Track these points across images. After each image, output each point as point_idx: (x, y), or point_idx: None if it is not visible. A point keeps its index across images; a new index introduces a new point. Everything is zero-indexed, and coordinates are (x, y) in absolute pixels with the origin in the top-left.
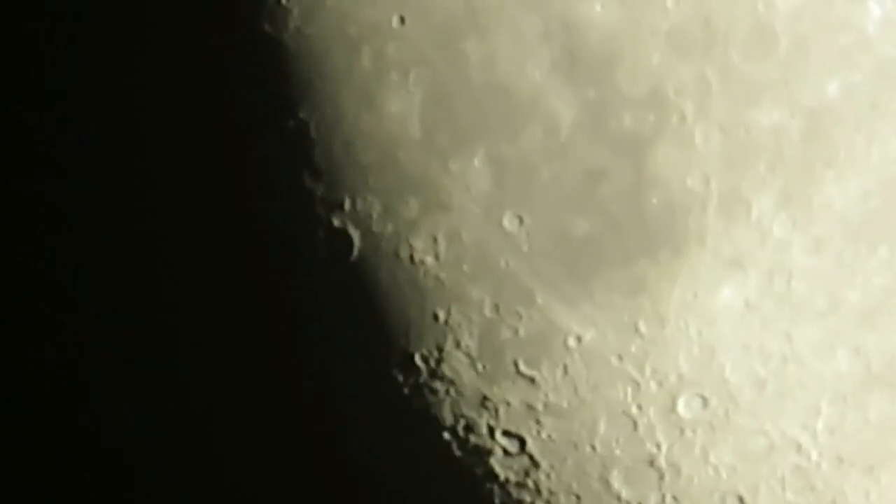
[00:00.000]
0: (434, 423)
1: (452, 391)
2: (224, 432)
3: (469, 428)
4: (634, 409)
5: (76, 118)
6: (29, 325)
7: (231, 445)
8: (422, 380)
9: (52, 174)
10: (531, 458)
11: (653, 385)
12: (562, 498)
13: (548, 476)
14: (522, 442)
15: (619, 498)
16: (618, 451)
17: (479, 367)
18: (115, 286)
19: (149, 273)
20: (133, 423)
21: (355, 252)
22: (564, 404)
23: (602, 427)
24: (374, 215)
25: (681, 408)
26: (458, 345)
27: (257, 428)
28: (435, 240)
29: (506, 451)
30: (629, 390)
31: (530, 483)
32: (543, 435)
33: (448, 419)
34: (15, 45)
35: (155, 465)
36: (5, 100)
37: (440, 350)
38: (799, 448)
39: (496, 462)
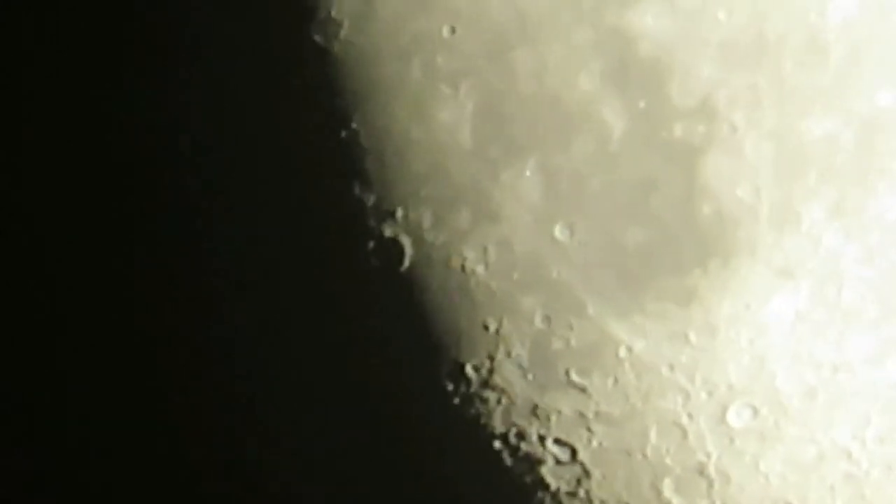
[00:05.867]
0: (485, 432)
1: (504, 400)
2: (267, 439)
3: (520, 436)
4: (685, 419)
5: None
6: None
7: (274, 452)
8: (473, 389)
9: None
10: (583, 466)
11: (703, 394)
12: None
13: (599, 485)
14: (574, 451)
15: None
16: (668, 460)
17: (531, 376)
18: (148, 301)
19: (196, 277)
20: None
21: (406, 261)
22: (616, 413)
23: (653, 436)
24: (426, 225)
25: (731, 417)
26: (509, 354)
27: (307, 434)
28: (486, 250)
29: (557, 460)
30: (680, 400)
31: (581, 492)
32: (595, 444)
33: (499, 428)
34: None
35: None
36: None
37: (491, 360)
38: (849, 457)
39: (547, 471)
